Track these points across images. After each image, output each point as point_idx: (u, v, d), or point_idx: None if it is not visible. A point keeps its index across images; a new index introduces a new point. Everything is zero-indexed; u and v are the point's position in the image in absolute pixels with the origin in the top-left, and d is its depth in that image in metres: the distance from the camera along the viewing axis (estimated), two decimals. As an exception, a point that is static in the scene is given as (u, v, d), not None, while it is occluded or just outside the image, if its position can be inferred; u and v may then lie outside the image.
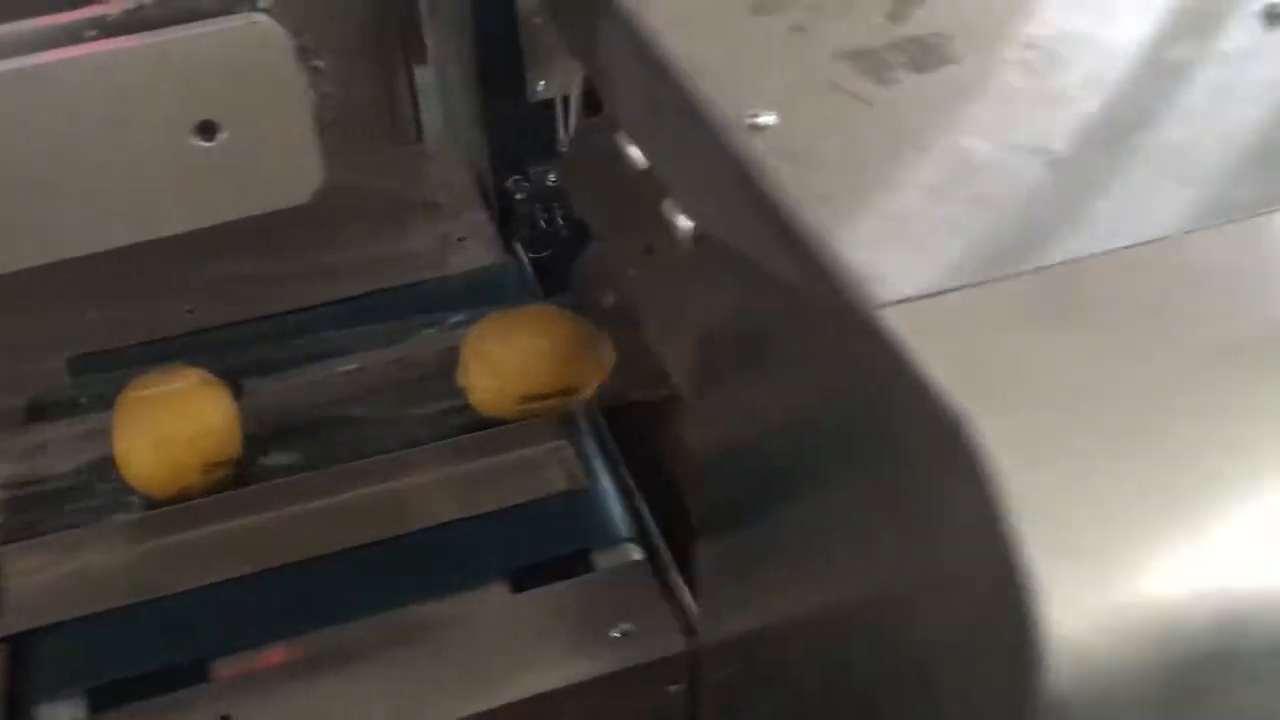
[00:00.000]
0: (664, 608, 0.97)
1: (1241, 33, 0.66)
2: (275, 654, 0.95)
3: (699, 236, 0.67)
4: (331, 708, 0.92)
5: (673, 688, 0.95)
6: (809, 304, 0.54)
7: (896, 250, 0.52)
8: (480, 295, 1.28)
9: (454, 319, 1.26)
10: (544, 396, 1.12)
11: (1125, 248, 0.51)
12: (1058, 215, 0.54)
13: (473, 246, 1.42)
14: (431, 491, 1.07)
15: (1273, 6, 0.67)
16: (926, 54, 0.66)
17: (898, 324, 0.48)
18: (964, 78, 0.64)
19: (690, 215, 0.66)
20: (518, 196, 1.38)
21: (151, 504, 1.06)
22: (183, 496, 1.05)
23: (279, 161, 0.90)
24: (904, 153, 0.59)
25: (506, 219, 1.41)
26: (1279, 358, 0.46)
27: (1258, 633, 0.41)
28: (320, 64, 0.98)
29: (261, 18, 0.85)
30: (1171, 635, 0.41)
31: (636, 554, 1.02)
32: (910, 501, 0.48)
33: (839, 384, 0.53)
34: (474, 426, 1.12)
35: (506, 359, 1.11)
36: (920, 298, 0.49)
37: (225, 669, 0.95)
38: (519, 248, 1.39)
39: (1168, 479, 0.42)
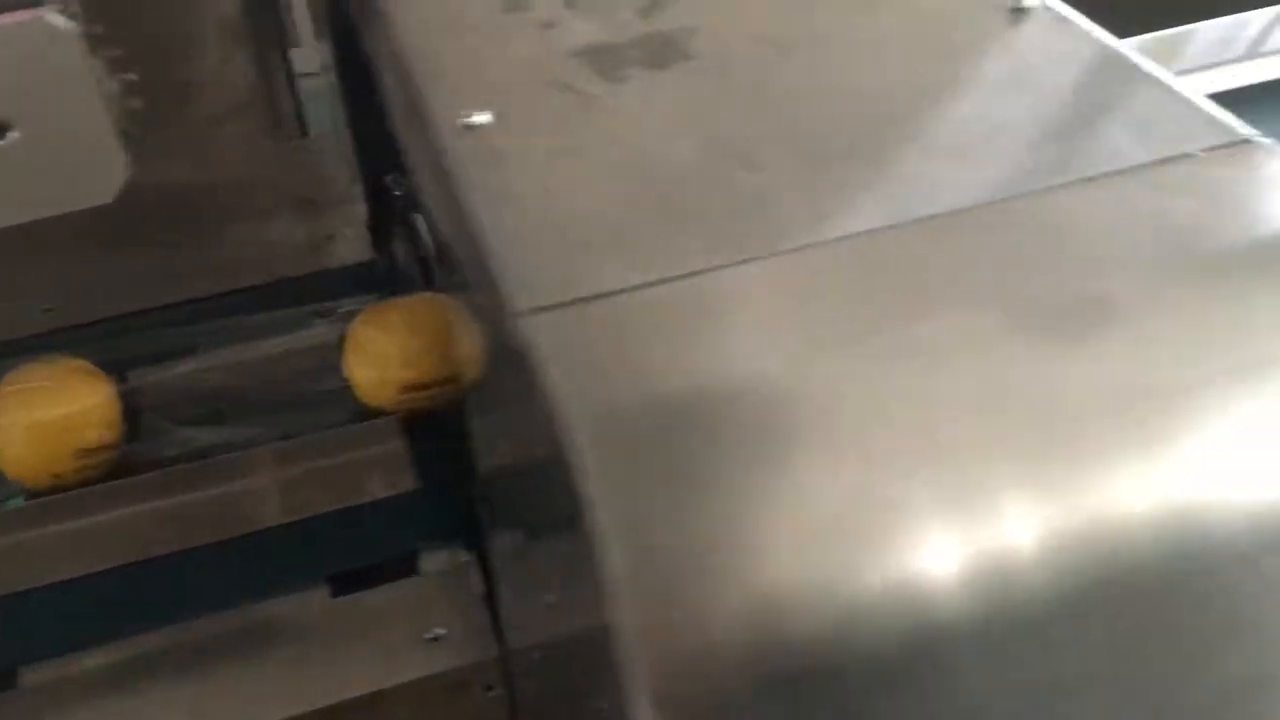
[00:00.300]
0: (483, 611, 0.96)
1: (984, 28, 0.65)
2: (84, 660, 0.93)
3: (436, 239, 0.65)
4: (136, 716, 0.90)
5: (491, 692, 0.94)
6: (485, 310, 0.52)
7: (565, 256, 0.51)
8: (363, 287, 1.27)
9: (342, 309, 1.24)
10: (426, 386, 1.10)
11: (783, 253, 0.50)
12: (734, 220, 0.52)
13: (343, 243, 1.41)
14: (259, 495, 1.05)
15: (1017, 2, 0.65)
16: (666, 50, 0.64)
17: (534, 333, 0.46)
18: (694, 75, 0.63)
19: (423, 217, 0.65)
20: (396, 193, 1.37)
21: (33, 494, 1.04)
22: (57, 484, 1.04)
23: (78, 160, 0.88)
24: (607, 154, 0.58)
25: (380, 215, 1.39)
26: (895, 377, 0.45)
27: (850, 650, 0.40)
28: (119, 53, 0.95)
29: (47, 13, 0.84)
30: (760, 653, 0.40)
31: (465, 556, 1.01)
32: (557, 519, 0.47)
33: (509, 393, 0.52)
34: (360, 417, 1.11)
35: (388, 349, 1.10)
36: (565, 305, 0.48)
37: (33, 676, 0.93)
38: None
39: (750, 504, 0.41)
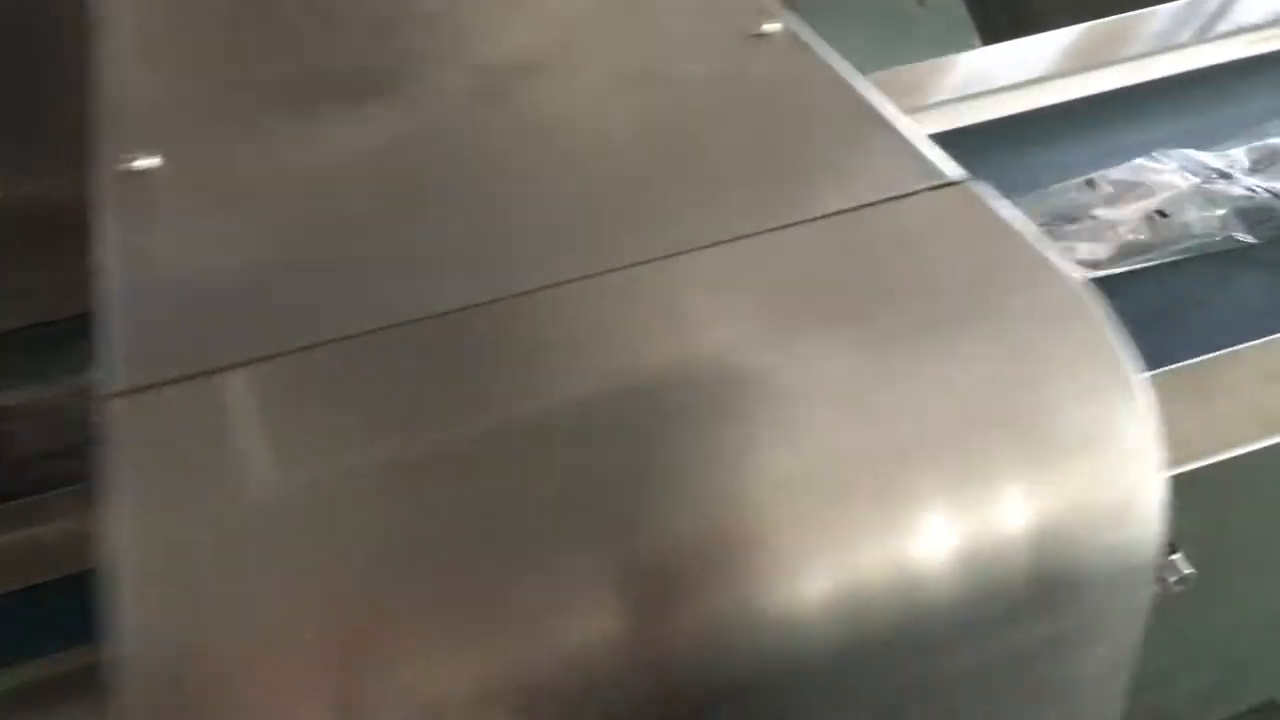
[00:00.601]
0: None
1: (717, 58, 0.60)
2: None
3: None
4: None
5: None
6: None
7: (179, 329, 0.46)
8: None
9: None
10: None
11: (400, 326, 0.45)
12: (373, 287, 0.47)
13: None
14: (61, 540, 1.00)
15: (758, 27, 0.60)
16: (376, 83, 0.59)
17: (110, 418, 0.41)
18: (398, 112, 0.57)
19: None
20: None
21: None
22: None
23: None
24: (274, 206, 0.52)
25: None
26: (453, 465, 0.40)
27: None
28: None
29: None
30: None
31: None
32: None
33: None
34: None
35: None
36: (152, 388, 0.43)
37: None
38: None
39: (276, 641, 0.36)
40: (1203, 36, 1.22)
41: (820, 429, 0.41)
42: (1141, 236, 0.98)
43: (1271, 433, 0.79)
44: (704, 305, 0.45)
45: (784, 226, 0.48)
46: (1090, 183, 1.05)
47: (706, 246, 0.47)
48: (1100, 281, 0.91)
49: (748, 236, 0.48)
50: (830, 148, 0.53)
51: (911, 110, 1.08)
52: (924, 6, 2.27)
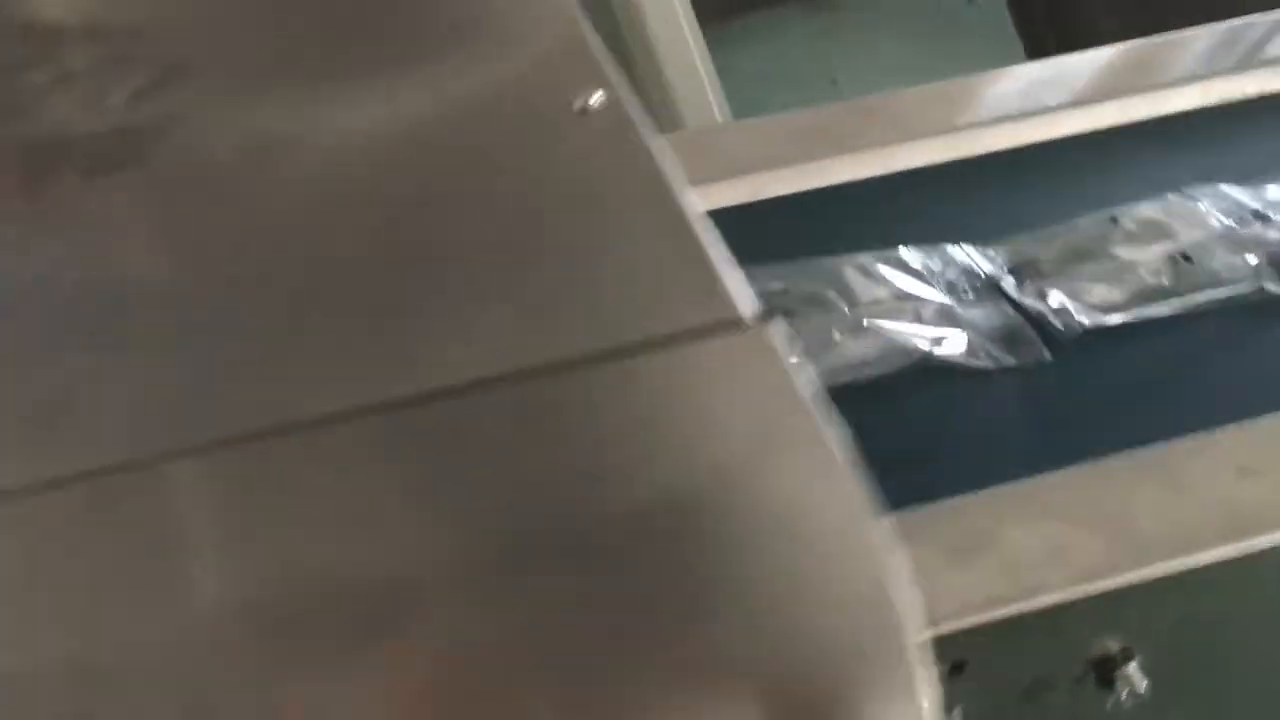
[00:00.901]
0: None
1: (528, 141, 0.50)
2: None
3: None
4: None
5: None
6: None
7: None
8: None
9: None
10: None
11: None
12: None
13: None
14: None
15: (582, 100, 0.51)
16: (130, 150, 0.51)
17: None
18: (142, 190, 0.49)
19: None
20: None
21: None
22: None
23: None
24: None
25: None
26: None
27: None
28: None
29: None
30: None
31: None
32: None
33: None
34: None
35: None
36: None
37: None
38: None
39: None
40: (1247, 64, 1.12)
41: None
42: (1162, 281, 0.88)
43: (1244, 535, 0.69)
44: (381, 480, 0.36)
45: (514, 377, 0.39)
46: (1113, 218, 0.96)
47: (407, 405, 0.38)
48: (1109, 329, 0.82)
49: (461, 394, 0.38)
50: (610, 266, 0.43)
51: (940, 132, 0.99)
52: (974, 4, 2.15)
